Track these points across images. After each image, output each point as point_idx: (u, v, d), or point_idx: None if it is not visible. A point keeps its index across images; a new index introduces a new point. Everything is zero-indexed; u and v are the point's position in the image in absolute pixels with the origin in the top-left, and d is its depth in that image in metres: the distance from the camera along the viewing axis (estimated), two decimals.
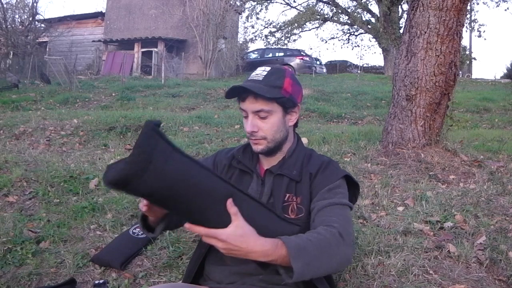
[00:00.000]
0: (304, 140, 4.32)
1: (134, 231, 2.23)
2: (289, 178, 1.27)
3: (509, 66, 22.79)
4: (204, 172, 0.97)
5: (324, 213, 1.18)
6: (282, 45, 21.04)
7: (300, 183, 1.27)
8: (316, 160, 1.32)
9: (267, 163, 1.33)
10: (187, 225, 0.97)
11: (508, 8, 39.33)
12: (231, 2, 17.68)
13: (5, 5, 15.16)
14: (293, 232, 1.08)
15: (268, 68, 1.26)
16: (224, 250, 0.97)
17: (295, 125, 1.34)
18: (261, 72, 1.25)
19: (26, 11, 16.41)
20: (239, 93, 1.24)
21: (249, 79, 1.26)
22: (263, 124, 1.24)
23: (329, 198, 1.22)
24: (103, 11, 19.04)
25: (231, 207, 0.96)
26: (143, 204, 1.06)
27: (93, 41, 17.93)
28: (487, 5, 40.68)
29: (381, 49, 19.12)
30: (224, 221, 0.96)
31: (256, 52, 20.04)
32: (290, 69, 1.31)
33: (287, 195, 1.26)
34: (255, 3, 20.35)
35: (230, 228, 0.96)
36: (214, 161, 1.40)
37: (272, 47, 20.73)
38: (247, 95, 1.22)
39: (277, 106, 1.24)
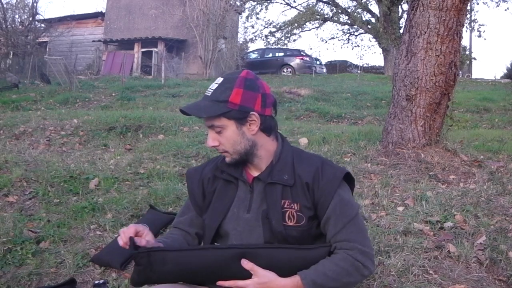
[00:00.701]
0: (304, 140, 4.32)
1: None
2: (281, 184, 1.23)
3: (509, 66, 22.79)
4: (206, 253, 1.17)
5: (341, 236, 1.19)
6: (282, 45, 21.03)
7: (295, 188, 1.23)
8: (308, 163, 1.26)
9: (254, 170, 1.28)
10: (219, 283, 1.14)
11: (508, 8, 39.41)
12: (231, 2, 17.69)
13: (5, 5, 15.17)
14: (315, 256, 1.17)
15: (220, 80, 1.24)
16: None
17: (273, 128, 1.27)
18: (213, 85, 1.23)
19: (26, 11, 16.42)
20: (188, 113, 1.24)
21: (205, 93, 1.25)
22: (221, 139, 1.22)
23: (343, 213, 1.20)
24: (103, 11, 19.04)
25: (247, 264, 1.12)
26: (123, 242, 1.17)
27: (93, 41, 17.92)
28: (487, 5, 40.62)
29: (381, 49, 19.12)
30: (247, 274, 1.14)
31: (256, 52, 20.04)
32: (247, 75, 1.23)
33: (283, 201, 1.22)
34: (255, 3, 20.35)
35: (254, 279, 1.12)
36: (200, 180, 1.35)
37: (272, 47, 20.72)
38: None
39: (227, 120, 1.20)
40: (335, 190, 1.21)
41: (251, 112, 1.22)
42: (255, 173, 1.28)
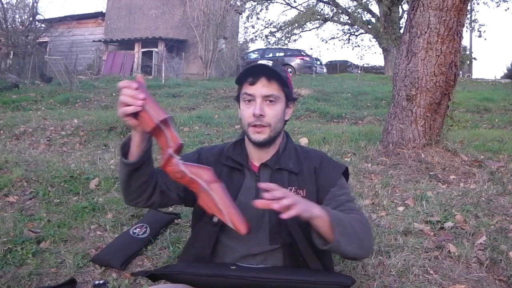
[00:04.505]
0: (304, 140, 4.32)
1: (134, 231, 2.24)
2: (288, 171, 1.27)
3: (509, 66, 22.80)
4: (220, 280, 1.12)
5: (345, 205, 1.25)
6: (283, 45, 21.03)
7: (301, 176, 1.28)
8: (313, 153, 1.36)
9: (258, 159, 1.30)
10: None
11: (508, 8, 39.39)
12: (232, 2, 17.68)
13: (5, 5, 15.18)
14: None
15: (270, 62, 1.26)
16: (302, 204, 1.04)
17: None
18: (265, 62, 1.25)
19: (26, 11, 16.43)
20: (254, 73, 1.23)
21: (261, 63, 1.24)
22: (270, 111, 1.23)
23: (343, 195, 1.28)
24: (104, 11, 19.04)
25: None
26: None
27: (94, 41, 17.93)
28: (487, 5, 40.68)
29: (381, 49, 19.11)
30: None
31: (256, 52, 20.03)
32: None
33: (290, 188, 1.25)
34: (256, 3, 20.35)
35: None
36: (198, 159, 1.34)
37: (273, 47, 20.72)
38: (259, 77, 1.22)
39: (283, 95, 1.26)
40: (338, 178, 1.30)
41: (296, 99, 1.33)
42: (258, 163, 1.30)
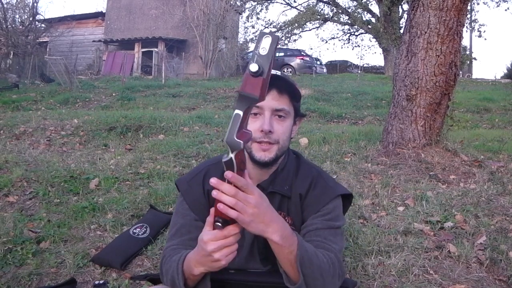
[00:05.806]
0: (304, 140, 4.32)
1: (134, 231, 2.24)
2: (281, 195, 1.16)
3: (509, 66, 22.76)
4: None
5: (320, 235, 1.11)
6: (283, 45, 21.00)
7: (290, 200, 1.17)
8: (304, 174, 1.20)
9: (256, 179, 1.16)
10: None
11: (508, 8, 39.50)
12: (232, 2, 17.69)
13: (5, 5, 15.17)
14: None
15: (278, 72, 1.12)
16: (251, 216, 0.87)
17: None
18: (274, 72, 1.10)
19: (26, 11, 16.41)
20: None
21: (274, 73, 1.09)
22: (279, 126, 1.10)
23: (323, 220, 1.13)
24: (104, 11, 19.06)
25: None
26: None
27: (94, 41, 17.94)
28: (487, 5, 40.64)
29: (381, 49, 19.13)
30: None
31: None
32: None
33: (279, 212, 1.11)
34: (256, 3, 20.37)
35: (257, 195, 0.88)
36: (206, 192, 1.18)
37: None
38: (270, 89, 1.07)
39: (293, 110, 1.14)
40: (323, 204, 1.15)
41: (304, 116, 1.21)
42: (256, 183, 1.15)
